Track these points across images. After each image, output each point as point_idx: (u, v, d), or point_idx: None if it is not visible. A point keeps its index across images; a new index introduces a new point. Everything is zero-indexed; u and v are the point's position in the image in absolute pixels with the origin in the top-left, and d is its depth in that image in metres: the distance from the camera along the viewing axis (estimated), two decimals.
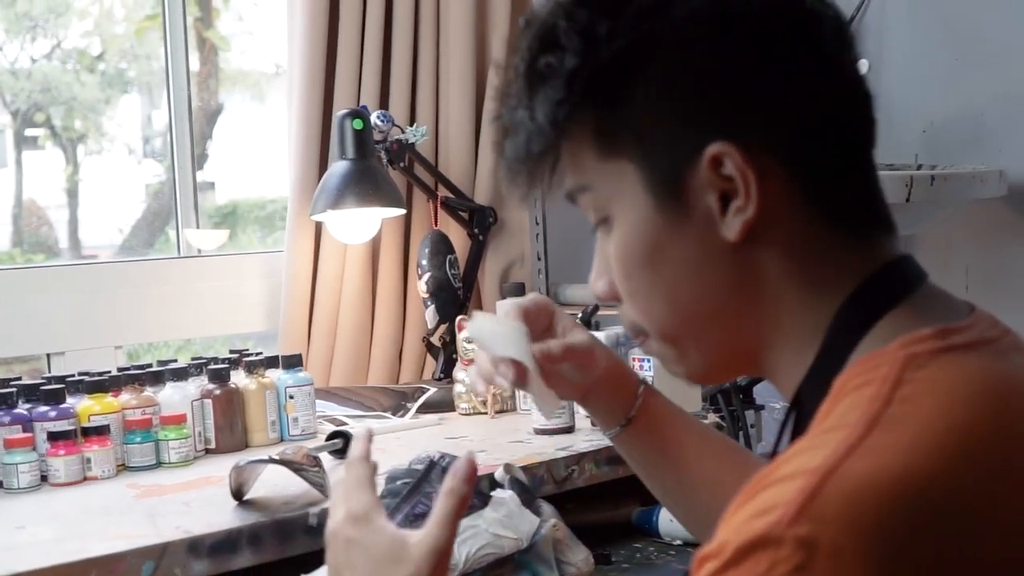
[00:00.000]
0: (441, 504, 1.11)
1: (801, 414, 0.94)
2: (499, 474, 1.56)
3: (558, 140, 0.96)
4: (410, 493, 1.41)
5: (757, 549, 0.74)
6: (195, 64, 2.91)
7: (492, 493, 1.45)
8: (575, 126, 0.95)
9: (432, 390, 2.32)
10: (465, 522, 1.37)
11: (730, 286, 0.94)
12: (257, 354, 2.17)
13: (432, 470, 1.42)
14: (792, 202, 0.92)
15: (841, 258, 0.93)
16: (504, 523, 1.40)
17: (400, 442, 2.02)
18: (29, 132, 3.54)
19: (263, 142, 3.37)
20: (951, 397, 0.81)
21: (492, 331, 1.28)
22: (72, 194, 3.55)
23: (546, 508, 1.49)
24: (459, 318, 2.33)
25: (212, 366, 2.04)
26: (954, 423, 0.80)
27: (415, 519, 1.38)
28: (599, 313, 2.32)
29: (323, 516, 1.58)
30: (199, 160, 2.79)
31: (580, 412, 2.14)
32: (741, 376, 1.03)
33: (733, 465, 1.34)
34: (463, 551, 1.35)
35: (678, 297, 0.96)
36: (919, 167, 2.64)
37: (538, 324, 1.33)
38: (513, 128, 0.98)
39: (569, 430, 2.04)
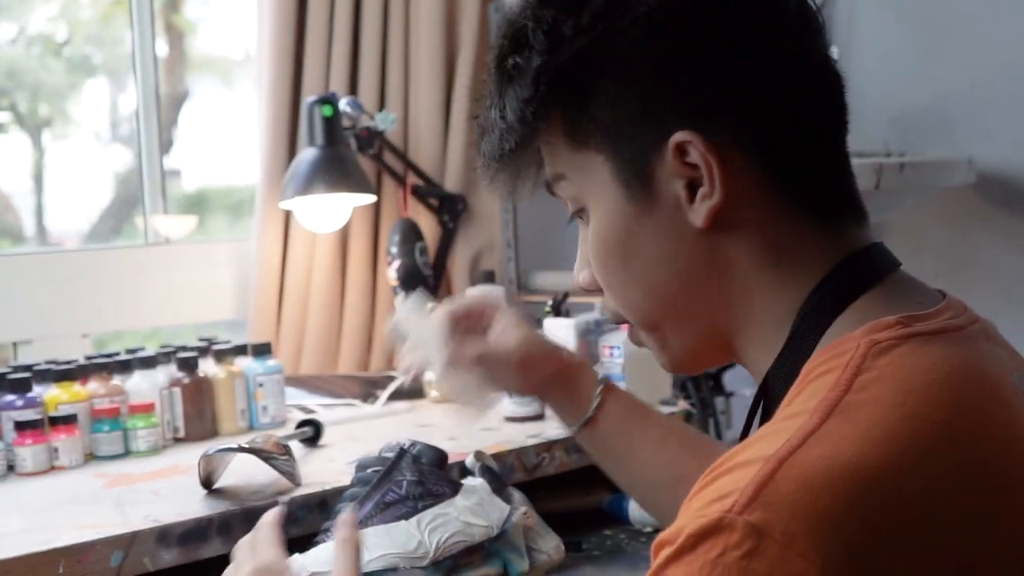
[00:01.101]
0: (341, 555, 1.20)
1: (769, 399, 0.96)
2: (469, 461, 1.56)
3: (530, 137, 1.00)
4: (380, 481, 1.40)
5: (710, 535, 0.75)
6: (162, 49, 2.88)
7: (463, 481, 1.44)
8: (546, 121, 0.98)
9: (402, 378, 2.32)
10: (435, 510, 1.37)
11: (701, 272, 0.96)
12: (226, 342, 2.16)
13: (402, 458, 1.42)
14: (759, 188, 0.93)
15: (811, 244, 0.95)
16: (474, 511, 1.40)
17: (370, 430, 2.01)
18: None
19: (231, 128, 3.35)
20: (909, 385, 0.82)
21: (416, 325, 1.38)
22: (38, 180, 3.53)
23: (517, 496, 1.48)
24: (428, 305, 2.32)
25: (181, 354, 2.02)
26: (910, 412, 0.80)
27: (385, 507, 1.38)
28: (569, 300, 2.32)
29: (293, 505, 1.58)
30: (166, 146, 2.77)
31: None
32: (719, 364, 1.05)
33: (697, 457, 1.36)
34: (433, 539, 1.35)
35: (652, 284, 0.98)
36: (888, 155, 2.65)
37: (477, 324, 1.40)
38: (488, 127, 1.01)
39: (539, 417, 2.04)
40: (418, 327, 1.42)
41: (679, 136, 0.92)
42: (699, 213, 0.93)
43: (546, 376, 1.41)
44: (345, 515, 1.27)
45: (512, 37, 0.98)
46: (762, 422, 0.94)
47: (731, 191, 0.92)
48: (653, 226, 0.95)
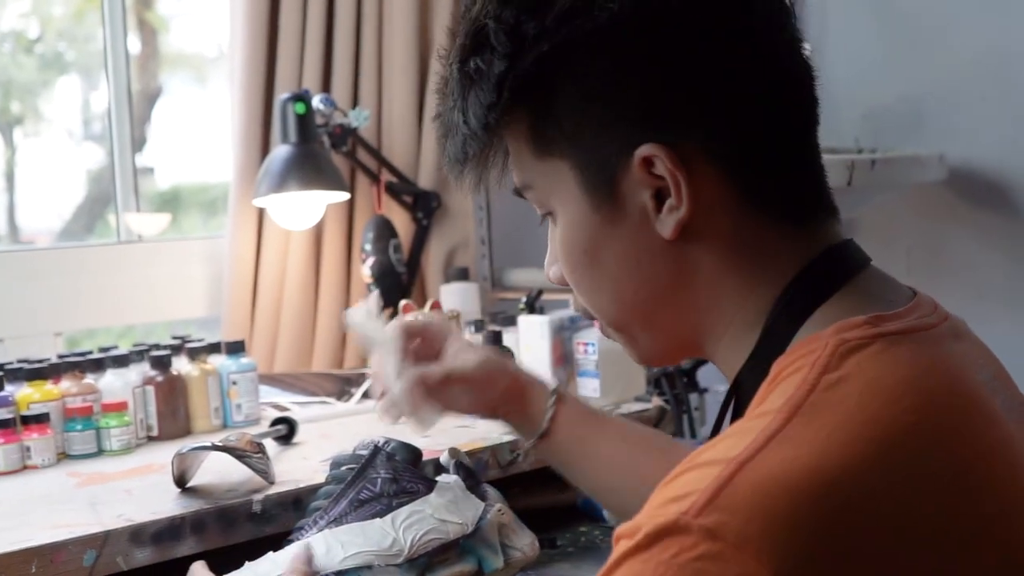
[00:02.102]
0: None
1: (740, 397, 0.95)
2: (444, 459, 1.56)
3: (493, 141, 0.98)
4: (354, 479, 1.40)
5: (664, 536, 0.75)
6: (135, 46, 2.87)
7: (437, 478, 1.44)
8: (509, 127, 0.97)
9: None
10: (410, 508, 1.37)
11: (668, 280, 0.95)
12: (199, 340, 2.15)
13: (377, 455, 1.42)
14: (726, 197, 0.92)
15: (780, 246, 0.94)
16: (449, 508, 1.40)
17: (344, 428, 2.01)
18: None
19: (205, 125, 3.34)
20: (875, 387, 0.82)
21: (371, 332, 1.40)
22: (10, 178, 3.50)
23: (491, 493, 1.49)
24: (403, 303, 2.32)
25: (154, 353, 2.02)
26: (874, 415, 0.80)
27: (360, 504, 1.38)
28: (544, 298, 2.32)
29: (267, 503, 1.58)
30: (139, 144, 2.76)
31: None
32: (691, 357, 1.05)
33: (659, 459, 1.37)
34: (408, 536, 1.35)
35: (619, 290, 0.98)
36: (860, 151, 2.66)
37: (429, 347, 1.41)
38: (451, 128, 1.00)
39: None
40: (373, 337, 1.43)
41: (644, 150, 0.90)
42: (666, 225, 0.92)
43: (500, 392, 1.41)
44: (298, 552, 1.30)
45: (472, 36, 0.96)
46: (733, 420, 0.95)
47: (698, 202, 0.91)
48: (619, 235, 0.95)
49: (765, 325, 0.94)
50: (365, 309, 1.47)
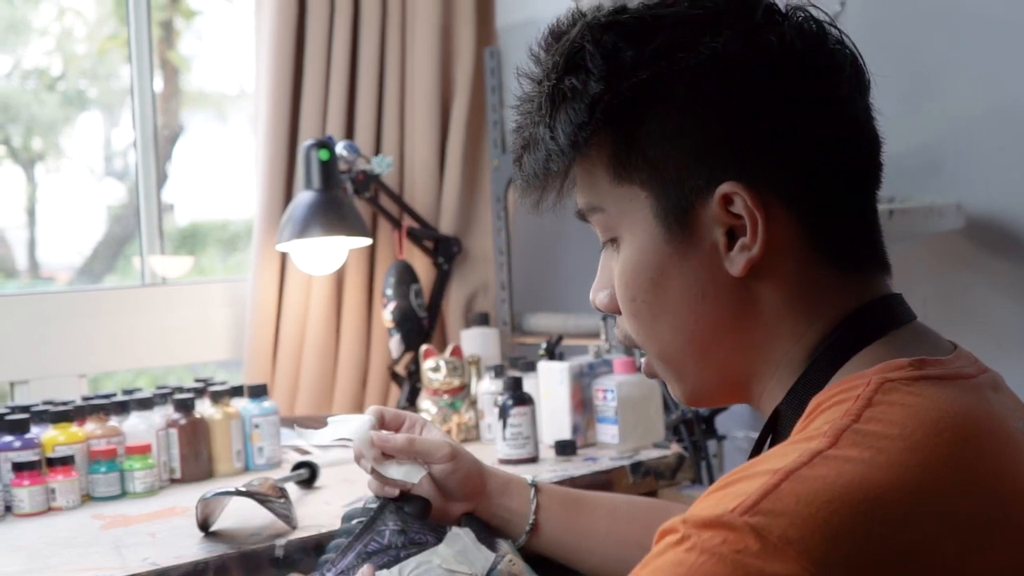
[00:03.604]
0: None
1: (778, 429, 0.99)
2: None
3: (576, 161, 1.01)
4: (362, 532, 1.41)
5: (710, 527, 0.79)
6: (158, 85, 2.90)
7: (449, 528, 1.45)
8: (593, 149, 0.99)
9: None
10: (418, 558, 1.37)
11: (729, 316, 0.98)
12: (222, 383, 2.17)
13: (385, 508, 1.43)
14: (794, 241, 0.96)
15: (835, 294, 0.98)
16: (458, 558, 1.39)
17: (365, 472, 2.02)
18: None
19: (225, 163, 3.37)
20: (917, 421, 0.85)
21: (344, 421, 1.47)
22: (31, 214, 3.53)
23: (503, 545, 1.49)
24: (424, 347, 2.34)
25: (177, 396, 2.04)
26: (916, 444, 0.83)
27: (367, 557, 1.38)
28: (563, 343, 2.33)
29: (289, 548, 1.59)
30: (161, 181, 2.79)
31: (544, 442, 2.15)
32: (731, 403, 1.07)
33: (654, 522, 1.39)
34: None
35: (679, 322, 1.00)
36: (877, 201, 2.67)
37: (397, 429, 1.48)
38: (533, 143, 1.01)
39: (533, 460, 2.06)
40: (347, 420, 1.47)
41: (727, 187, 0.94)
42: (737, 263, 0.95)
43: (463, 477, 1.45)
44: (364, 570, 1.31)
45: (568, 56, 0.98)
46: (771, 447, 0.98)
47: (770, 243, 0.94)
48: (688, 267, 0.97)
49: (808, 364, 0.97)
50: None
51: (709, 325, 0.99)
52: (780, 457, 0.83)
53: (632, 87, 0.96)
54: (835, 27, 0.99)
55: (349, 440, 1.45)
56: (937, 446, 0.83)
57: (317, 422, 2.36)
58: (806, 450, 0.82)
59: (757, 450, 1.03)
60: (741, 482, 0.82)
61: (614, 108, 0.96)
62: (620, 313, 1.04)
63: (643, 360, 1.08)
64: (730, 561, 0.77)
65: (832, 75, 0.97)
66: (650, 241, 0.99)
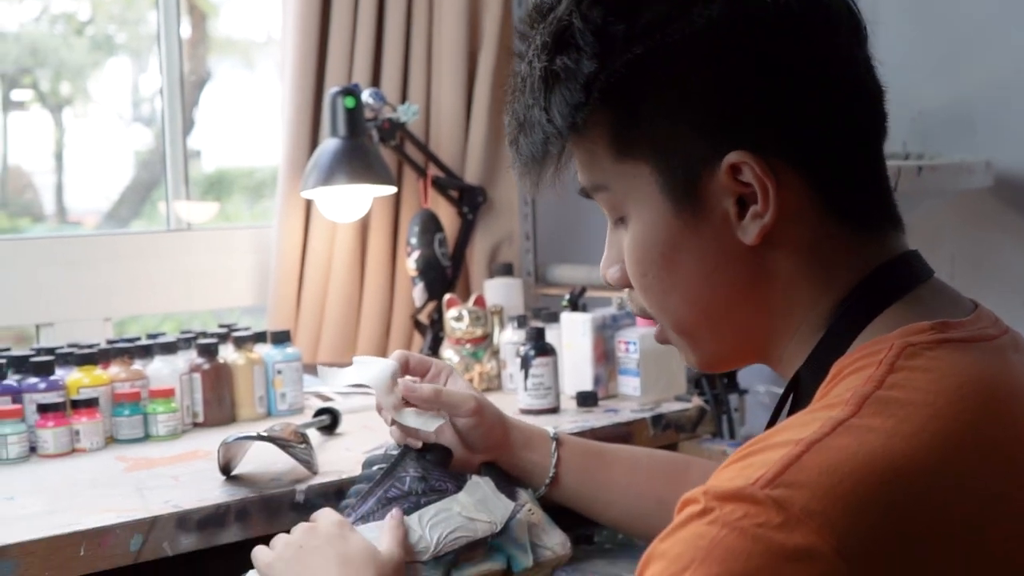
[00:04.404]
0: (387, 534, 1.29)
1: (798, 394, 0.98)
2: None
3: (574, 142, 0.99)
4: (383, 478, 1.41)
5: (733, 500, 0.78)
6: (185, 31, 2.89)
7: (469, 477, 1.46)
8: (592, 128, 0.97)
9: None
10: (437, 505, 1.37)
11: (744, 284, 0.97)
12: (246, 329, 2.18)
13: (406, 454, 1.43)
14: (806, 204, 0.94)
15: (851, 255, 0.96)
16: (478, 507, 1.40)
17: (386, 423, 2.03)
18: (15, 95, 3.52)
19: (251, 110, 3.37)
20: (940, 387, 0.84)
21: (369, 363, 1.45)
22: (58, 159, 3.54)
23: (523, 494, 1.49)
24: (447, 296, 2.34)
25: (201, 341, 2.05)
26: (939, 412, 0.82)
27: (387, 503, 1.38)
28: (587, 295, 2.33)
29: (310, 493, 1.60)
30: (187, 127, 2.79)
31: (566, 393, 2.16)
32: (748, 365, 1.06)
33: (672, 479, 1.41)
34: (434, 534, 1.35)
35: (692, 294, 0.98)
36: (907, 156, 2.65)
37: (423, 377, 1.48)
38: (528, 126, 0.99)
39: (554, 410, 2.06)
40: (367, 363, 1.46)
41: (734, 156, 0.92)
42: (749, 231, 0.94)
43: (487, 430, 1.45)
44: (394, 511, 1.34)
45: (556, 35, 0.96)
46: (789, 415, 0.97)
47: (782, 209, 0.93)
48: (699, 239, 0.96)
49: (828, 328, 0.96)
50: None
51: (723, 296, 0.97)
52: (802, 427, 0.82)
53: (627, 63, 0.93)
54: None
55: (370, 389, 1.45)
56: (960, 413, 0.83)
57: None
58: (828, 419, 0.82)
59: (776, 414, 1.03)
60: (763, 452, 0.81)
61: (610, 87, 0.94)
62: (631, 287, 1.03)
63: (656, 328, 1.07)
64: (751, 535, 0.76)
65: (830, 30, 0.95)
66: (658, 216, 0.96)
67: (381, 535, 1.30)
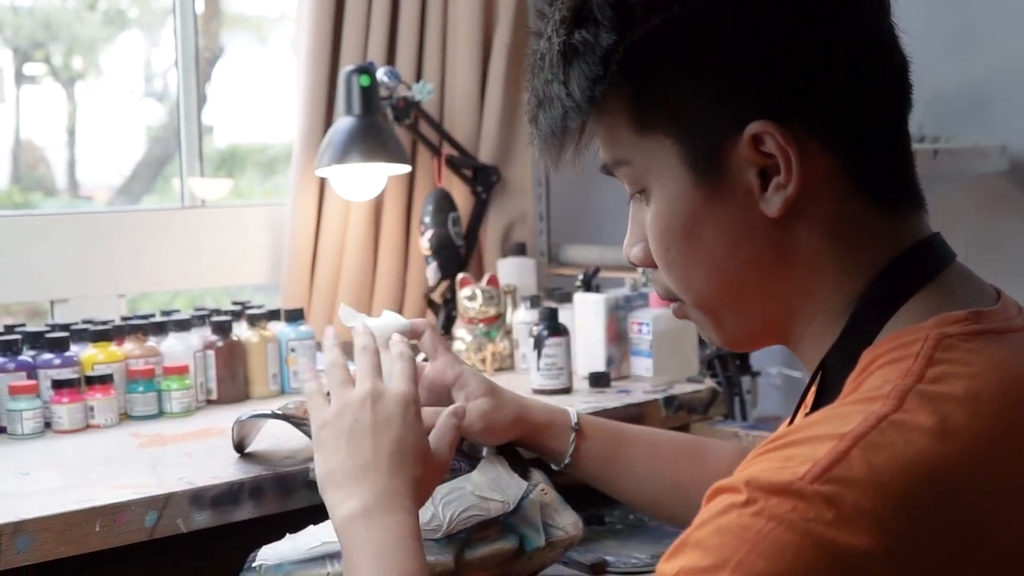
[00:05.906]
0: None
1: (825, 382, 0.96)
2: None
3: (594, 116, 0.97)
4: None
5: (780, 493, 0.77)
6: (199, 5, 2.89)
7: (481, 456, 1.46)
8: (611, 102, 0.96)
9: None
10: (450, 484, 1.37)
11: (767, 259, 0.95)
12: (259, 307, 2.18)
13: None
14: (830, 176, 0.93)
15: (875, 233, 0.95)
16: (491, 486, 1.40)
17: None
18: (28, 69, 3.53)
19: (264, 86, 3.37)
20: (981, 382, 0.83)
21: (390, 317, 1.45)
22: (71, 133, 3.54)
23: (536, 474, 1.50)
24: (460, 276, 2.34)
25: (215, 318, 2.05)
26: (981, 409, 0.82)
27: None
28: (600, 275, 2.33)
29: None
30: (201, 103, 2.78)
31: (578, 373, 2.16)
32: (771, 345, 1.05)
33: (691, 462, 1.42)
34: (447, 512, 1.35)
35: (716, 269, 0.97)
36: (922, 139, 2.65)
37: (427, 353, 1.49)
38: (548, 101, 0.98)
39: (566, 390, 2.06)
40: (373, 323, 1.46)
41: (756, 126, 0.90)
42: (772, 203, 0.92)
43: (518, 428, 1.47)
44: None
45: (575, 9, 0.95)
46: (815, 404, 0.96)
47: (806, 180, 0.91)
48: (721, 212, 0.94)
49: (854, 312, 0.94)
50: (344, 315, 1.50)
51: (747, 270, 0.96)
52: (842, 420, 0.81)
53: (646, 35, 0.92)
54: None
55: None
56: (1003, 409, 0.82)
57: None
58: (871, 413, 0.81)
59: (802, 400, 1.02)
60: (803, 445, 0.80)
61: (629, 59, 0.93)
62: (655, 267, 1.01)
63: (674, 305, 1.05)
64: (800, 530, 0.75)
65: None
66: (680, 189, 0.95)
67: (436, 434, 1.29)
